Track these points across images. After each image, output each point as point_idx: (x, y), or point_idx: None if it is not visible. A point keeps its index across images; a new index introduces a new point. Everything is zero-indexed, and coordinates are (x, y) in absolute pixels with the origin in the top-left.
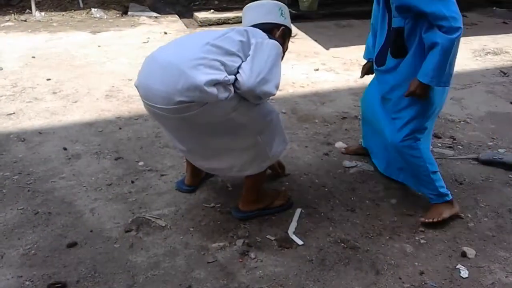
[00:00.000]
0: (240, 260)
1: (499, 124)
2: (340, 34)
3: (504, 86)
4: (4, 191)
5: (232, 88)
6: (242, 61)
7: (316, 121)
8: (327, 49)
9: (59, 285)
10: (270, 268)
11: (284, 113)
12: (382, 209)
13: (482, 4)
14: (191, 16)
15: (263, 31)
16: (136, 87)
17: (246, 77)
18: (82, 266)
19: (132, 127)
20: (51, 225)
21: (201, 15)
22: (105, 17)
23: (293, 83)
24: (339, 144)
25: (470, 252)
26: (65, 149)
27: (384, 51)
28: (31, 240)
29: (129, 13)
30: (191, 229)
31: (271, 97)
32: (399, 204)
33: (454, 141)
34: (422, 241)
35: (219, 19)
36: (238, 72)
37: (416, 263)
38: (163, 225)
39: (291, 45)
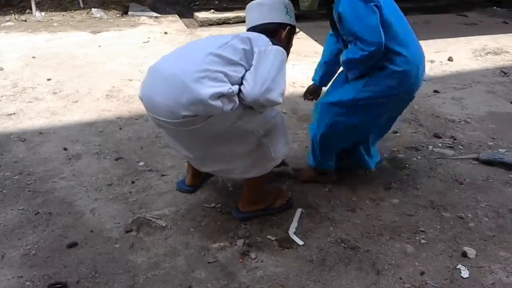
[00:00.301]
0: (241, 260)
1: (499, 124)
2: None
3: (505, 86)
4: (4, 191)
5: (236, 99)
6: (246, 70)
7: None
8: None
9: (60, 285)
10: (271, 268)
11: (285, 113)
12: (382, 209)
13: (482, 4)
14: (192, 16)
15: (269, 31)
16: (140, 98)
17: (250, 88)
18: (83, 266)
19: (132, 127)
20: (52, 225)
21: (202, 15)
22: (105, 17)
23: (293, 83)
24: None
25: (471, 252)
26: (65, 149)
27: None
28: (32, 240)
29: (129, 13)
30: (192, 229)
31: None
32: (400, 204)
33: (455, 141)
34: (422, 241)
35: (220, 19)
36: (242, 83)
37: (417, 263)
38: (164, 225)
39: None
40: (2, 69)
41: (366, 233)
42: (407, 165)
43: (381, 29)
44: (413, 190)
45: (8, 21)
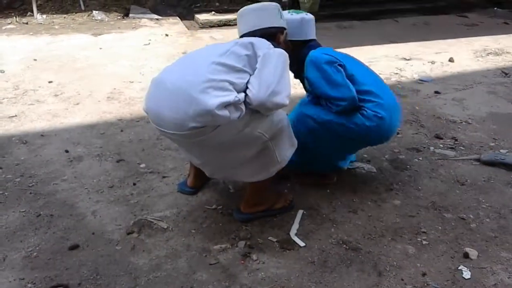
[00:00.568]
0: (242, 262)
1: (500, 124)
2: (341, 35)
3: (506, 87)
4: (6, 193)
5: (243, 107)
6: (250, 75)
7: None
8: None
9: (61, 287)
10: (272, 269)
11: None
12: (384, 210)
13: (483, 5)
14: (192, 18)
15: (267, 36)
16: (145, 112)
17: (256, 92)
18: (84, 269)
19: (133, 129)
20: (53, 227)
21: (202, 17)
22: (107, 20)
23: (294, 83)
24: None
25: (473, 253)
26: (67, 151)
27: None
28: (33, 242)
29: (130, 15)
30: (193, 231)
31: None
32: (401, 205)
33: (456, 142)
34: (424, 242)
35: (220, 20)
36: (247, 87)
37: (418, 264)
38: (165, 227)
39: None
40: (4, 72)
41: (367, 234)
42: (408, 166)
43: (350, 84)
44: (414, 191)
45: (9, 23)
